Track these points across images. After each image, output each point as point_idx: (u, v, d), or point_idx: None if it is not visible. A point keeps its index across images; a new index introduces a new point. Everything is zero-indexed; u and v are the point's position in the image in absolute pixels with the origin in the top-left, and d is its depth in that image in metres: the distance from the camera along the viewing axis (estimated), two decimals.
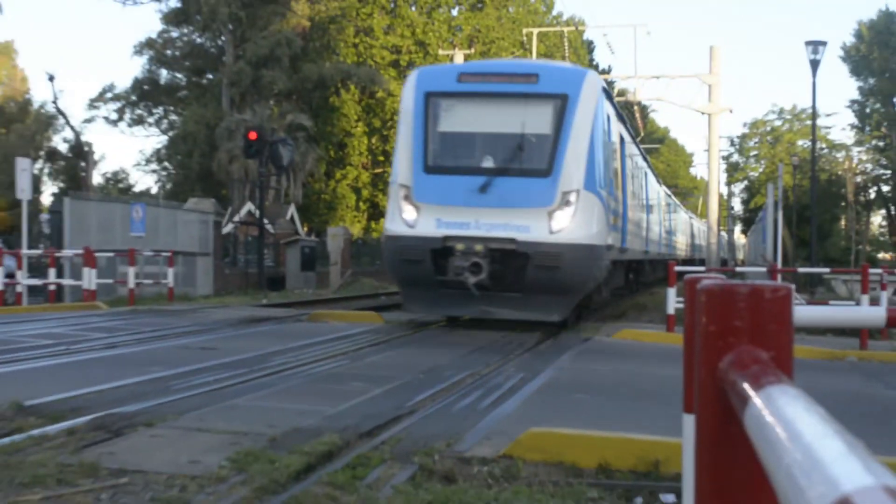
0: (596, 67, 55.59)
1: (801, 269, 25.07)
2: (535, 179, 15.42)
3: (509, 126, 15.85)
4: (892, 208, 58.54)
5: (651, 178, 32.15)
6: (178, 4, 41.20)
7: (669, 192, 40.25)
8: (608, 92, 18.57)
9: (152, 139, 54.75)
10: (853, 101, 58.63)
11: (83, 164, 50.40)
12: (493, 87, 16.39)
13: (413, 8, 54.92)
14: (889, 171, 57.55)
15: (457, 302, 15.43)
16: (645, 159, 31.61)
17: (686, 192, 73.07)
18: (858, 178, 59.82)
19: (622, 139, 21.07)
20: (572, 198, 15.00)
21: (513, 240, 14.75)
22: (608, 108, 18.00)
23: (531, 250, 14.66)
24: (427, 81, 16.61)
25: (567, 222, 14.95)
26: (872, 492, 0.72)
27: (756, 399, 1.18)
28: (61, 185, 47.41)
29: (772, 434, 1.03)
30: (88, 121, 56.85)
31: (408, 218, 15.52)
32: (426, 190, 15.61)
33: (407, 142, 16.19)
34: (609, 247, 16.95)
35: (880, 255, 58.28)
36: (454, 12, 57.10)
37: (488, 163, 15.74)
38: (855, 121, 58.85)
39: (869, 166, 60.07)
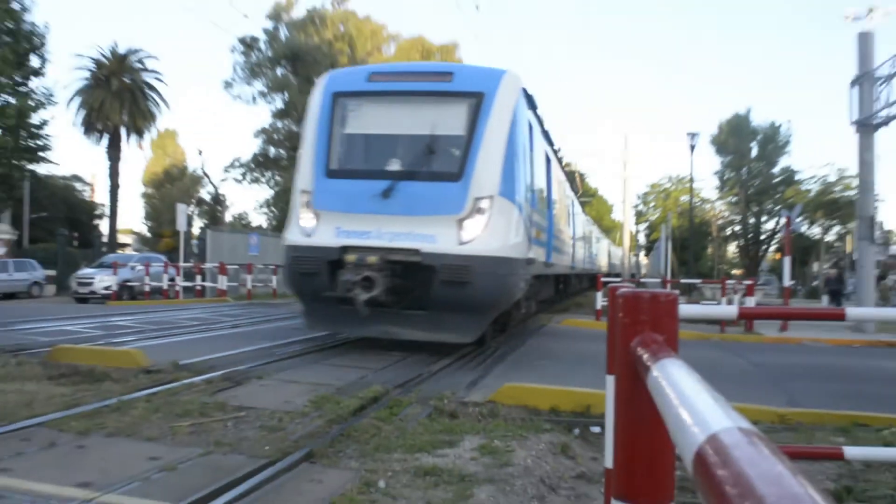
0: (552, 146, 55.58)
1: (682, 280, 24.89)
2: (445, 184, 9.43)
3: (419, 127, 9.83)
4: (741, 241, 59.41)
5: (577, 206, 24.20)
6: (282, 106, 41.33)
7: (594, 222, 39.63)
8: (532, 100, 11.75)
9: (264, 192, 55.01)
10: (716, 171, 59.54)
11: (219, 208, 50.81)
12: (404, 85, 10.31)
13: None
14: (739, 217, 58.48)
15: (358, 320, 9.16)
16: (573, 189, 23.82)
17: (608, 230, 73.01)
18: (720, 222, 60.86)
19: (548, 158, 14.26)
20: (485, 205, 9.19)
21: (417, 251, 9.00)
22: (530, 116, 11.55)
23: (437, 262, 8.89)
24: (336, 83, 10.57)
25: (479, 231, 9.12)
26: (731, 431, 0.73)
27: (654, 367, 1.18)
28: (206, 221, 47.67)
29: (665, 390, 1.03)
30: (223, 180, 57.73)
31: (305, 226, 9.70)
32: (326, 196, 9.68)
33: (310, 145, 10.14)
34: (530, 260, 10.79)
35: (733, 272, 59.22)
36: None
37: (395, 166, 9.79)
38: (718, 183, 59.79)
39: (726, 213, 61.10)
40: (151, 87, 38.19)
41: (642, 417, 1.43)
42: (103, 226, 41.44)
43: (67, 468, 4.18)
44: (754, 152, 56.57)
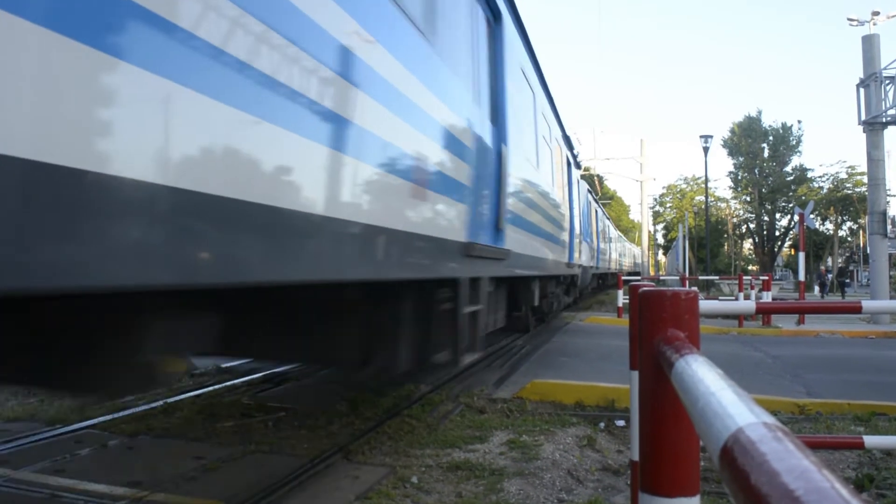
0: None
1: (700, 277, 24.67)
2: None
3: None
4: (756, 238, 58.85)
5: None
6: None
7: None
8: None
9: None
10: (730, 172, 59.05)
11: None
12: None
13: None
14: (753, 215, 57.93)
15: None
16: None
17: (627, 230, 72.52)
18: (735, 220, 60.35)
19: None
20: None
21: None
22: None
23: None
24: None
25: None
26: (755, 426, 0.71)
27: (678, 363, 1.16)
28: None
29: (689, 386, 1.00)
30: None
31: None
32: None
33: None
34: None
35: (750, 268, 58.81)
36: None
37: None
38: (731, 183, 59.34)
39: (741, 212, 60.61)
40: None
41: (667, 411, 1.40)
42: None
43: (118, 468, 4.22)
44: (766, 153, 56.04)
